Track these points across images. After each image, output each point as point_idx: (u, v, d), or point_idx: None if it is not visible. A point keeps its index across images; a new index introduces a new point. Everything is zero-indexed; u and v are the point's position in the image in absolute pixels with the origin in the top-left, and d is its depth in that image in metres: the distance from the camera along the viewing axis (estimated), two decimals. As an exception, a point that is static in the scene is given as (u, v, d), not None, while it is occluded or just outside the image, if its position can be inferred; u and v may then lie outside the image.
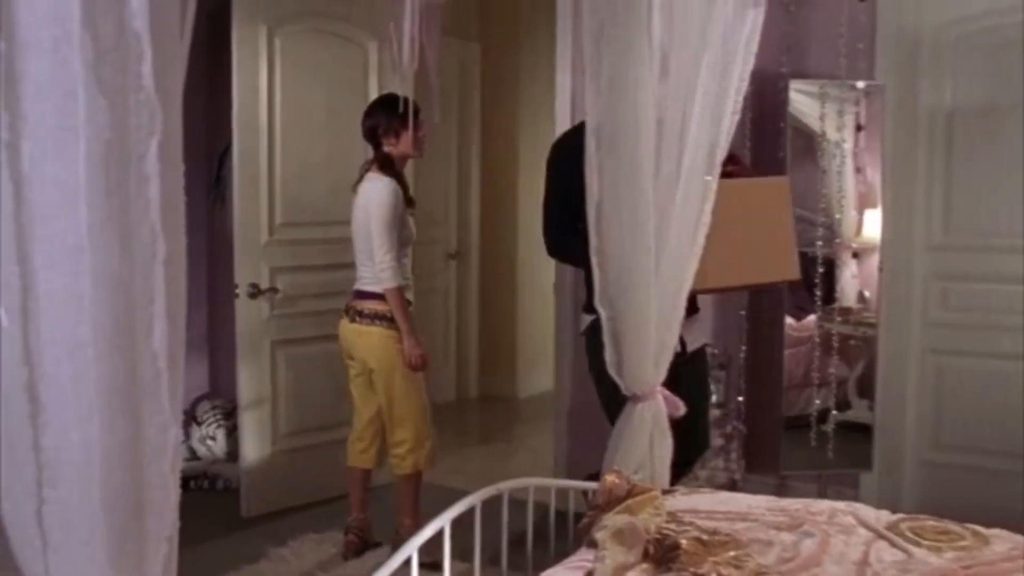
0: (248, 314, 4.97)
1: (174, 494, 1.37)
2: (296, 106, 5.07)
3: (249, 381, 5.01)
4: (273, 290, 5.03)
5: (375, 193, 4.30)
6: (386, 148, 4.35)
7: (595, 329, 3.41)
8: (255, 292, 4.96)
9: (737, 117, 2.97)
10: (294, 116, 5.07)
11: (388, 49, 2.56)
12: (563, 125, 5.18)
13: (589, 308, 3.43)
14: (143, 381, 1.27)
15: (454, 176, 7.61)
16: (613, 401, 3.36)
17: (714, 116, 2.93)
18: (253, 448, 5.04)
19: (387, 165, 4.35)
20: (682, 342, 3.48)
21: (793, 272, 3.59)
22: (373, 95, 5.29)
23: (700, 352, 4.00)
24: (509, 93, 7.71)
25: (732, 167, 3.48)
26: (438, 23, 2.46)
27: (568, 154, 3.38)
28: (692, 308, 3.66)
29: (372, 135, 4.40)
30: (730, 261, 3.35)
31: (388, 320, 4.35)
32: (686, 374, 3.63)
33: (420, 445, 4.44)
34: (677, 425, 3.34)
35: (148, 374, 1.27)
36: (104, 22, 1.19)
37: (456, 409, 7.64)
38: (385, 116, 4.29)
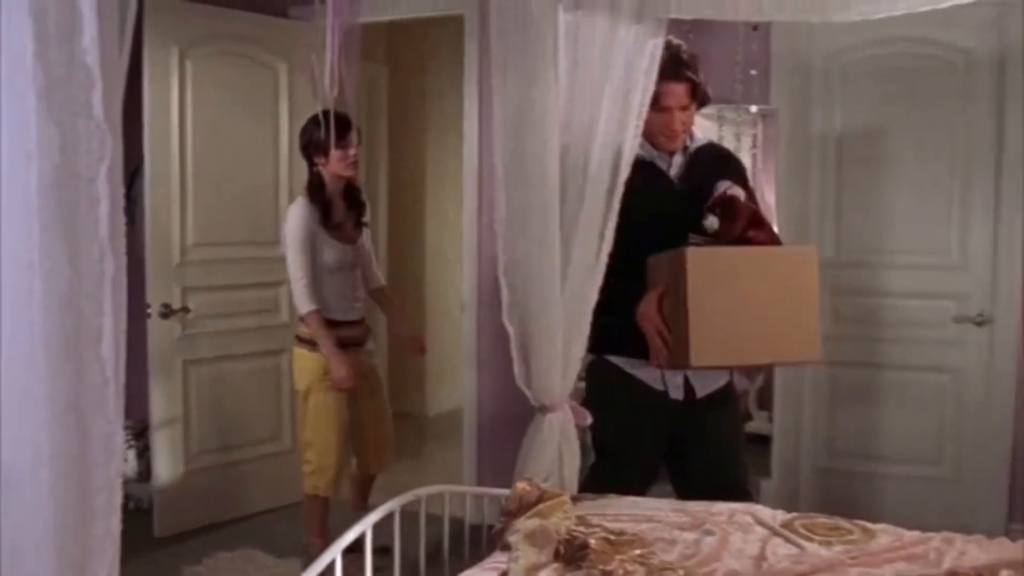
0: (160, 334, 5.00)
1: (118, 497, 1.46)
2: (208, 127, 5.13)
3: (161, 401, 5.03)
4: (185, 310, 5.07)
5: (288, 217, 4.37)
6: (318, 167, 4.38)
7: (594, 367, 3.52)
8: (167, 312, 4.99)
9: (638, 140, 3.12)
10: (206, 137, 5.12)
11: (308, 75, 2.64)
12: (471, 147, 5.33)
13: (592, 348, 3.40)
14: (92, 388, 1.36)
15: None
16: (608, 435, 3.48)
17: (616, 140, 3.08)
18: (165, 468, 5.06)
19: (314, 186, 4.38)
20: (689, 387, 3.42)
21: (814, 353, 3.20)
22: (284, 117, 5.40)
23: (720, 395, 3.53)
24: (416, 115, 7.83)
25: (754, 232, 3.29)
26: (357, 48, 2.57)
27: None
28: None
29: (305, 153, 4.42)
30: (746, 337, 3.10)
31: (308, 343, 4.40)
32: (709, 419, 3.47)
33: (322, 471, 4.46)
34: (709, 473, 3.41)
35: (97, 381, 1.36)
36: (56, 56, 1.29)
37: (366, 427, 7.69)
38: (316, 133, 4.24)
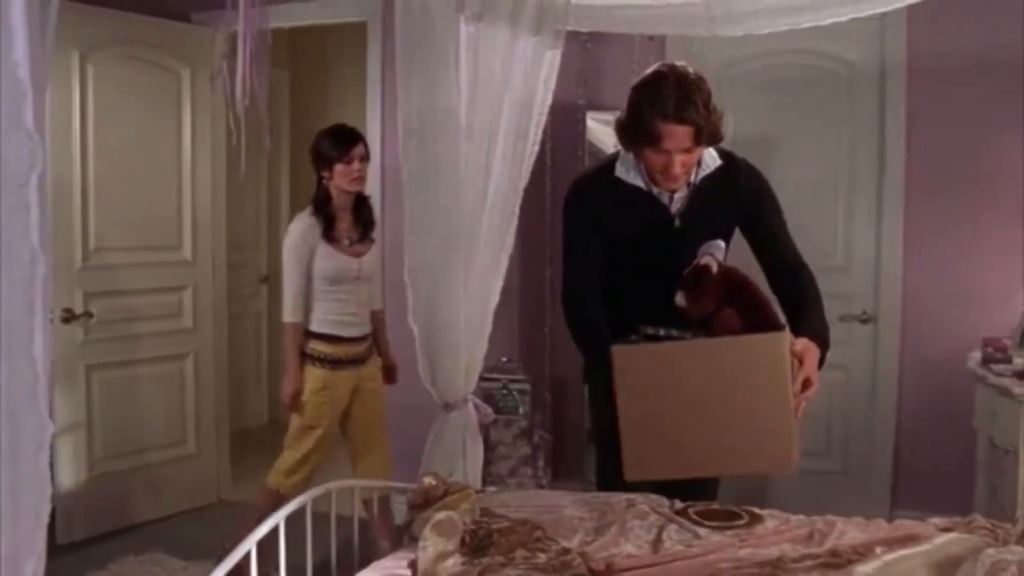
0: (62, 339, 4.97)
1: (48, 488, 1.53)
2: (110, 132, 5.12)
3: (63, 406, 5.00)
4: (88, 315, 5.05)
5: (289, 228, 4.40)
6: (324, 180, 4.33)
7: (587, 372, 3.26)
8: (69, 317, 4.97)
9: (537, 147, 3.24)
10: (108, 141, 5.11)
11: (221, 83, 2.68)
12: (373, 153, 5.40)
13: (584, 376, 3.25)
14: (24, 385, 1.43)
15: (264, 201, 7.71)
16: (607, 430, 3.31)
17: (516, 146, 3.19)
18: (68, 474, 5.03)
19: (319, 199, 4.36)
20: None
21: (787, 464, 2.64)
22: (187, 122, 5.42)
23: None
24: (318, 120, 7.80)
25: (728, 311, 2.84)
26: (267, 56, 2.63)
27: (587, 206, 3.12)
28: None
29: (313, 165, 4.38)
30: (697, 447, 2.65)
31: (315, 359, 4.36)
32: None
33: (288, 473, 4.39)
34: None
35: (28, 379, 1.43)
36: (-12, 69, 1.35)
37: (269, 431, 7.69)
38: (325, 146, 4.28)
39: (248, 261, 7.49)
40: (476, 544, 2.57)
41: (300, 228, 4.32)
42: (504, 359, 4.99)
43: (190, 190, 5.52)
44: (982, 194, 4.76)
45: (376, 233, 5.35)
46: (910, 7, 3.33)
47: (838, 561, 2.37)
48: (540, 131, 3.23)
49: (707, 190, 3.11)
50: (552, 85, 3.20)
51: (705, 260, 2.88)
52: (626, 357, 2.71)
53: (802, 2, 2.97)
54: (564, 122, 4.82)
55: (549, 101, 3.21)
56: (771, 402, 2.61)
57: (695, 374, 2.66)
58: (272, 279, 7.78)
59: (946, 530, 2.62)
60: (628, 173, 3.09)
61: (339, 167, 4.25)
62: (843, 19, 3.02)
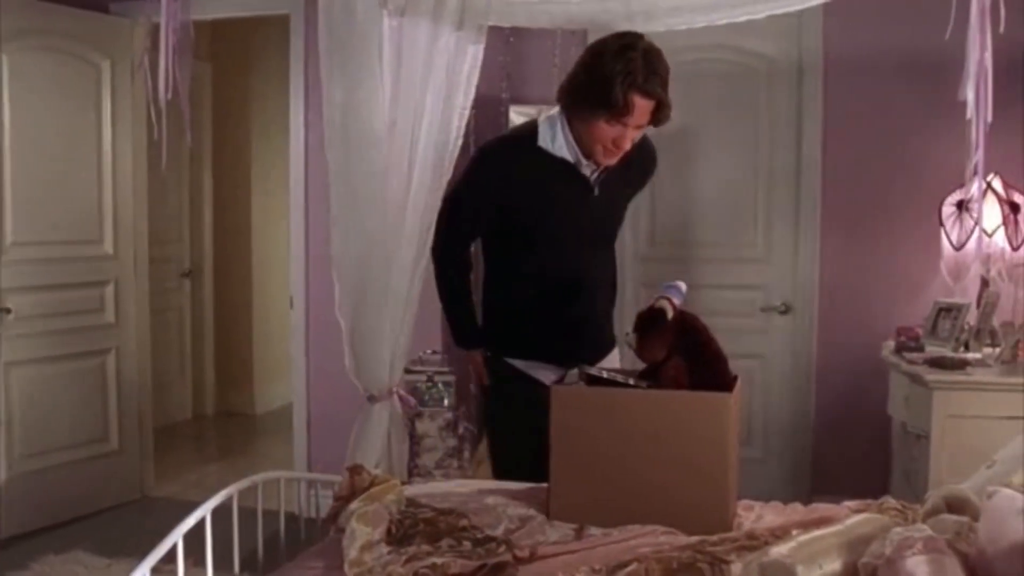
0: (-21, 335, 4.90)
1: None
2: (27, 125, 5.04)
3: (-19, 404, 4.93)
4: (5, 310, 4.97)
5: None
6: None
7: (491, 367, 3.40)
8: (-14, 313, 4.89)
9: (460, 141, 3.26)
10: (25, 135, 5.03)
11: (142, 76, 2.66)
12: (297, 145, 5.39)
13: (490, 346, 3.38)
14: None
15: (186, 194, 7.63)
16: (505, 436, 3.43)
17: (439, 139, 3.21)
18: (-13, 472, 4.95)
19: None
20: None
21: (723, 525, 2.59)
22: (108, 115, 5.36)
23: None
24: (241, 113, 7.81)
25: (677, 361, 2.76)
26: (189, 49, 2.61)
27: (500, 172, 3.19)
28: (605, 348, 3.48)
29: None
30: (628, 499, 2.62)
31: None
32: None
33: None
34: None
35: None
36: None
37: (193, 426, 7.66)
38: None
39: (170, 255, 7.42)
40: (402, 534, 2.59)
41: None
42: (429, 351, 5.01)
43: (111, 184, 5.45)
44: (897, 188, 4.89)
45: (302, 228, 5.36)
46: (826, 4, 3.40)
47: (755, 544, 2.42)
48: (463, 125, 3.24)
49: (619, 166, 3.21)
50: (475, 79, 3.22)
51: (660, 303, 2.80)
52: (565, 398, 2.70)
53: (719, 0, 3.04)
54: (487, 116, 4.85)
55: (472, 95, 3.23)
56: (710, 462, 2.61)
57: (634, 424, 2.64)
58: (194, 273, 7.72)
59: (859, 512, 2.69)
60: (553, 143, 3.14)
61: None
62: (759, 16, 3.08)
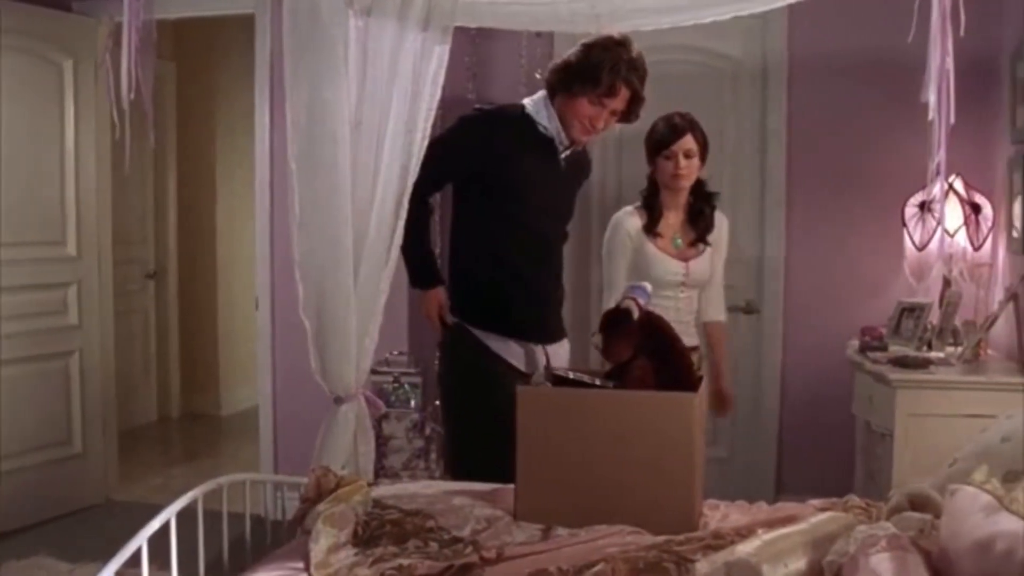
0: (-62, 338, 4.84)
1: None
2: (-13, 124, 4.99)
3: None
4: (-36, 312, 4.92)
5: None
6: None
7: (452, 337, 3.58)
8: (-56, 315, 4.83)
9: (426, 142, 3.26)
10: (-14, 134, 4.98)
11: (105, 75, 2.63)
12: (262, 145, 5.36)
13: (455, 310, 3.56)
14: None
15: (150, 195, 7.58)
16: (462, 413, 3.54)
17: (405, 141, 3.21)
18: (-52, 476, 4.90)
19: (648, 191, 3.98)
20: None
21: (689, 525, 2.60)
22: (71, 115, 5.31)
23: None
24: (205, 113, 7.77)
25: (643, 362, 2.80)
26: (152, 48, 2.60)
27: (484, 135, 3.47)
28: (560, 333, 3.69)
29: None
30: (594, 498, 2.64)
31: None
32: None
33: None
34: None
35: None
36: None
37: (159, 429, 7.61)
38: (658, 130, 3.88)
39: (135, 256, 7.36)
40: (368, 535, 2.59)
41: (613, 220, 4.01)
42: (396, 352, 5.01)
43: (74, 184, 5.40)
44: (860, 188, 4.93)
45: (267, 229, 5.32)
46: (791, 6, 3.43)
47: (721, 543, 2.44)
48: (429, 126, 3.24)
49: (583, 155, 3.69)
50: (441, 80, 3.22)
51: (626, 304, 2.83)
52: (531, 399, 2.73)
53: (685, 1, 3.05)
54: (454, 116, 4.82)
55: (438, 95, 3.23)
56: (676, 462, 2.62)
57: (601, 424, 2.66)
58: (159, 275, 7.66)
59: (823, 510, 2.72)
60: (539, 114, 3.49)
61: (660, 160, 3.85)
62: (725, 17, 3.10)
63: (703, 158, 3.87)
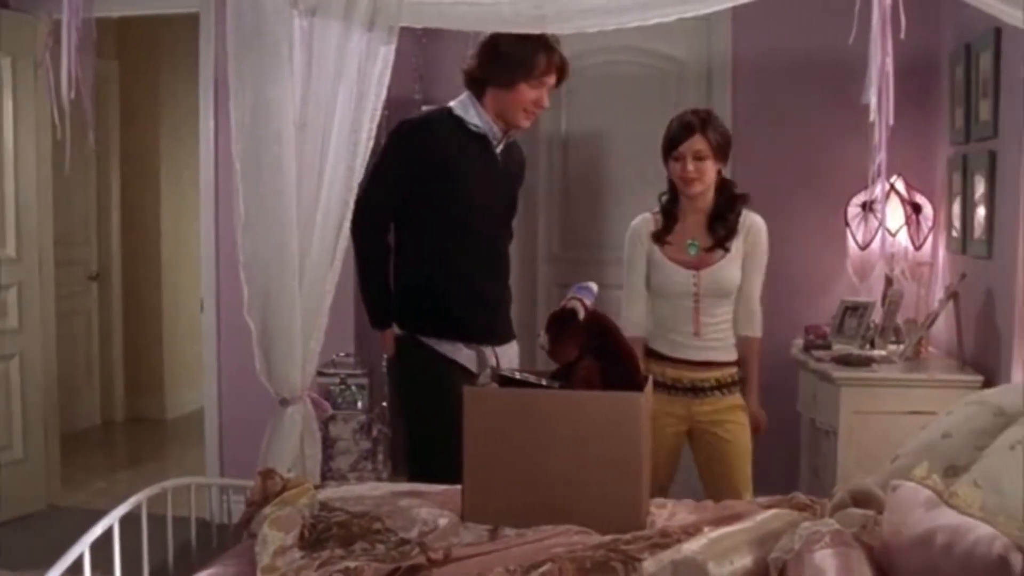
0: None
1: None
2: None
3: None
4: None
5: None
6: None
7: (403, 349, 3.58)
8: None
9: (372, 143, 3.25)
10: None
11: (44, 74, 2.59)
12: (207, 145, 5.31)
13: (403, 325, 3.57)
14: None
15: (93, 196, 7.47)
16: (420, 420, 3.52)
17: (350, 141, 3.19)
18: None
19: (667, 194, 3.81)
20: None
21: (637, 523, 2.61)
22: (9, 114, 5.23)
23: None
24: (149, 112, 7.68)
25: (590, 362, 2.81)
26: (91, 47, 2.56)
27: (424, 142, 3.48)
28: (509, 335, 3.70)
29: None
30: (542, 498, 2.64)
31: None
32: None
33: None
34: None
35: None
36: None
37: (102, 433, 7.50)
38: (671, 128, 3.70)
39: (77, 258, 7.26)
40: (315, 538, 2.58)
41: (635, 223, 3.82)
42: (342, 354, 4.98)
43: (13, 185, 5.32)
44: (804, 188, 4.98)
45: (212, 230, 5.26)
46: (734, 9, 3.45)
47: (668, 541, 2.45)
48: (375, 126, 3.23)
49: (513, 147, 3.68)
50: (386, 80, 3.20)
51: (572, 304, 2.84)
52: (477, 399, 2.74)
53: (629, 2, 3.05)
54: (400, 117, 4.83)
55: (384, 96, 3.21)
56: (623, 461, 2.65)
57: (547, 425, 2.67)
58: (102, 276, 7.56)
59: (769, 508, 2.74)
60: (468, 113, 3.52)
61: (670, 162, 3.67)
62: (669, 19, 3.11)
63: (722, 158, 3.64)
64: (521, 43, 3.36)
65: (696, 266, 3.63)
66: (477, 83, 3.51)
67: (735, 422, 3.68)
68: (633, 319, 3.70)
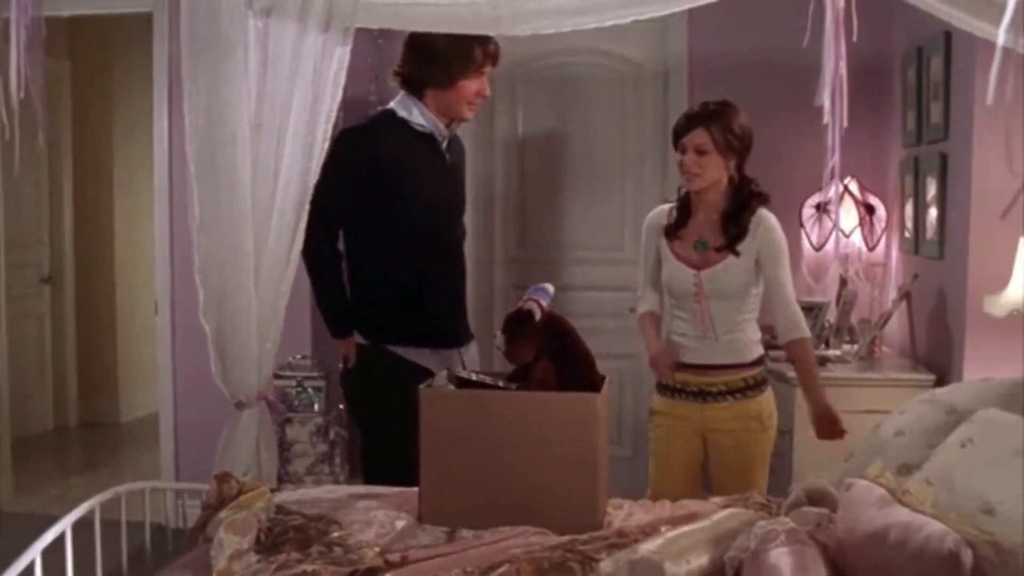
0: None
1: None
2: None
3: None
4: None
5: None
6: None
7: (368, 358, 3.57)
8: None
9: (327, 144, 3.23)
10: None
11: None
12: (161, 146, 5.26)
13: (368, 335, 3.56)
14: None
15: (45, 197, 7.38)
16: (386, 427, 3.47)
17: (306, 142, 3.17)
18: None
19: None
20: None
21: (593, 524, 2.63)
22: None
23: None
24: (102, 112, 7.60)
25: (546, 363, 2.82)
26: (40, 46, 2.52)
27: (371, 147, 3.50)
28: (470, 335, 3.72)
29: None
30: (499, 499, 2.65)
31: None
32: None
33: None
34: None
35: None
36: None
37: (55, 437, 7.40)
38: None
39: (29, 260, 7.15)
40: (271, 542, 2.57)
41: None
42: (299, 356, 4.96)
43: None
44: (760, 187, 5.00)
45: (167, 231, 5.21)
46: (690, 11, 3.47)
47: (625, 541, 2.46)
48: (330, 127, 3.22)
49: (454, 140, 3.69)
50: (342, 81, 3.19)
51: (528, 305, 2.84)
52: (434, 400, 2.74)
53: (585, 4, 3.06)
54: (355, 118, 4.80)
55: (340, 97, 3.20)
56: (580, 462, 2.66)
57: (504, 426, 2.68)
58: (55, 278, 7.47)
59: (725, 507, 2.76)
60: (411, 113, 3.53)
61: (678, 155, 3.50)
62: (625, 21, 3.12)
63: (733, 155, 3.46)
64: (455, 40, 3.38)
65: (698, 265, 3.44)
66: (414, 84, 3.53)
67: (746, 430, 3.47)
68: (646, 300, 3.62)
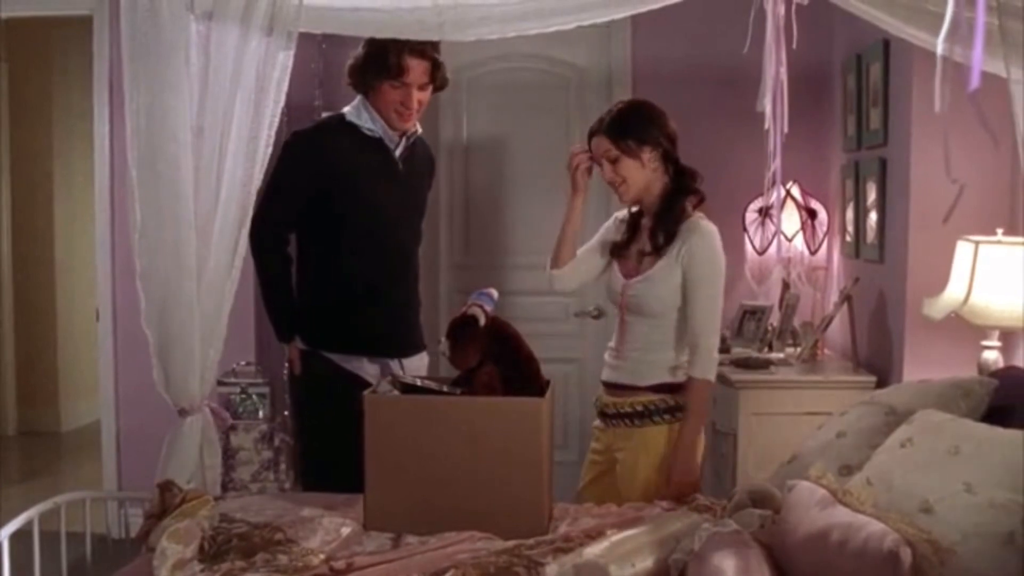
0: None
1: None
2: None
3: None
4: None
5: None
6: None
7: (304, 364, 3.55)
8: None
9: (270, 149, 3.21)
10: None
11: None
12: (102, 150, 5.20)
13: (305, 339, 3.54)
14: None
15: (-17, 201, 7.27)
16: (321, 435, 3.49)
17: (249, 148, 3.14)
18: None
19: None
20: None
21: (539, 528, 2.64)
22: None
23: None
24: (41, 114, 7.50)
25: (490, 368, 2.82)
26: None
27: (319, 152, 3.48)
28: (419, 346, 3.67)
29: None
30: (444, 505, 2.66)
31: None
32: None
33: None
34: None
35: None
36: None
37: (19, 443, 7.30)
38: None
39: (-32, 264, 7.04)
40: (215, 550, 2.55)
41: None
42: (243, 363, 4.92)
43: None
44: (703, 191, 5.04)
45: (108, 236, 5.14)
46: (634, 17, 3.50)
47: (570, 545, 2.48)
48: (273, 132, 3.19)
49: (417, 145, 3.65)
50: (285, 86, 3.16)
51: (472, 310, 2.83)
52: (378, 406, 2.75)
53: (528, 9, 3.07)
54: (299, 123, 4.78)
55: (283, 102, 3.17)
56: (525, 467, 2.68)
57: (448, 431, 2.69)
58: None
59: (670, 510, 2.79)
60: (360, 118, 3.51)
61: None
62: (568, 27, 3.14)
63: (644, 149, 3.12)
64: (379, 45, 3.36)
65: (629, 273, 3.21)
66: (357, 88, 3.54)
67: (634, 462, 3.15)
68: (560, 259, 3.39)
